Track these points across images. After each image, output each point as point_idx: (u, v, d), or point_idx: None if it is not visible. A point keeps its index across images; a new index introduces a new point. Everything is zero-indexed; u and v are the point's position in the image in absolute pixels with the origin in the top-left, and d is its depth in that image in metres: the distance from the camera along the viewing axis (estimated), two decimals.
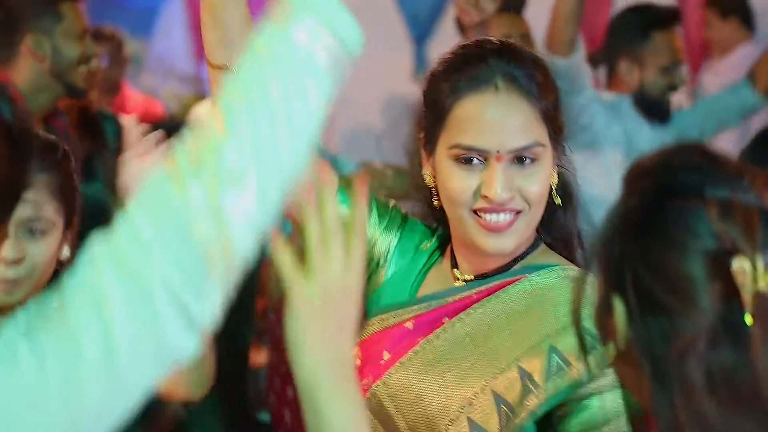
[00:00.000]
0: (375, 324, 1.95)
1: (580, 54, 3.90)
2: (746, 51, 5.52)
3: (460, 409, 1.81)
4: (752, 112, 4.20)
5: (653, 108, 4.08)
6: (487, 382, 1.81)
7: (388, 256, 2.00)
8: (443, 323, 1.89)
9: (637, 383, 1.29)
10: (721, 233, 1.22)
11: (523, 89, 1.83)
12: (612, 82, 4.24)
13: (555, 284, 1.88)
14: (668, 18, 4.16)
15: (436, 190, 1.91)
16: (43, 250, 2.07)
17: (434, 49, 5.98)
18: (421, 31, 5.95)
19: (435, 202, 1.92)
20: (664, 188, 1.28)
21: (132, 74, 5.79)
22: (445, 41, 5.01)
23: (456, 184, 1.85)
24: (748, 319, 1.19)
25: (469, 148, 1.83)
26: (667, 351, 1.23)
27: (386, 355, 1.91)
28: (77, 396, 1.13)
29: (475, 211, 1.84)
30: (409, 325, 1.91)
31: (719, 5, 5.59)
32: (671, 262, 1.24)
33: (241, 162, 1.18)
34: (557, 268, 1.90)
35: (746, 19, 5.59)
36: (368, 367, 1.91)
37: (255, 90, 1.21)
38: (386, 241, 1.99)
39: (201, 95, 6.58)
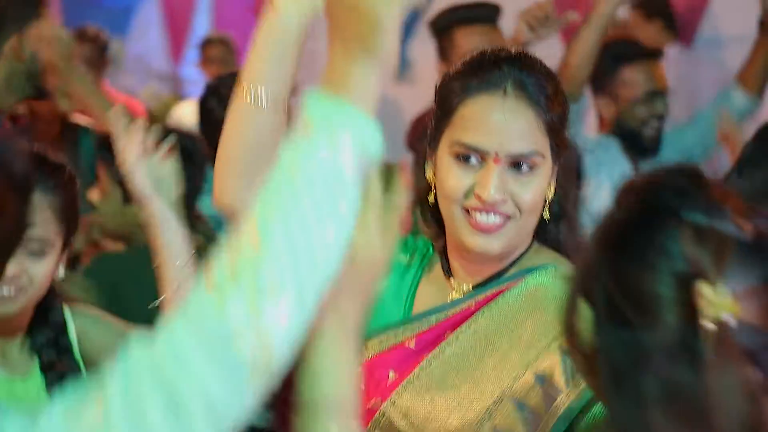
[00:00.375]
0: (375, 345, 1.93)
1: (586, 100, 3.83)
2: (670, 53, 5.57)
3: (482, 420, 1.81)
4: (748, 115, 4.15)
5: (634, 141, 4.01)
6: (503, 391, 1.82)
7: None
8: (446, 338, 1.89)
9: (597, 388, 1.32)
10: (691, 257, 1.24)
11: (532, 98, 1.84)
12: (600, 123, 4.19)
13: (551, 284, 1.88)
14: (634, 52, 4.08)
15: (435, 186, 1.91)
16: (41, 269, 2.09)
17: (414, 51, 5.99)
18: (401, 32, 5.93)
19: (430, 199, 1.92)
20: (646, 206, 1.30)
21: (110, 74, 5.76)
22: (424, 42, 5.01)
23: (452, 180, 1.86)
24: (705, 344, 1.22)
25: (469, 147, 1.84)
26: (625, 361, 1.25)
27: (392, 375, 1.90)
28: None
29: (467, 210, 1.85)
30: (411, 344, 1.91)
31: (643, 7, 5.64)
32: (640, 278, 1.26)
33: (278, 275, 1.20)
34: (550, 267, 1.90)
35: (669, 22, 5.64)
36: (374, 388, 1.90)
37: (287, 204, 1.22)
38: None
39: (179, 95, 6.57)
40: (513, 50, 1.91)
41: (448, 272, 1.94)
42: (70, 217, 2.14)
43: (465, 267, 1.93)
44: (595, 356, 1.29)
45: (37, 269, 2.09)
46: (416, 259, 2.00)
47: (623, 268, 1.27)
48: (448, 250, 1.95)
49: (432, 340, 1.89)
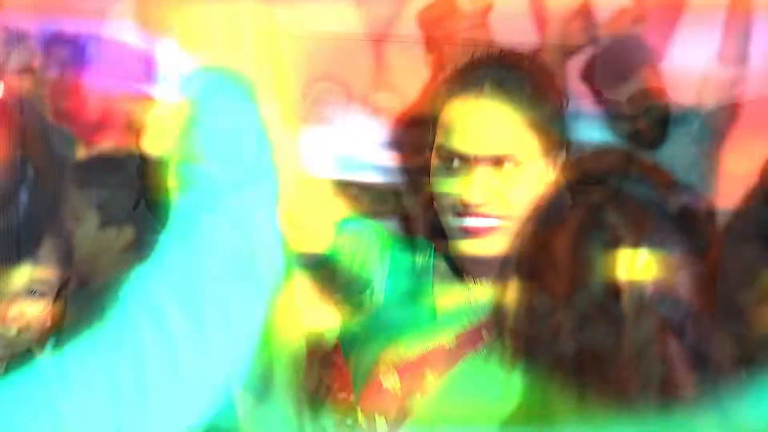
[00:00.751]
0: (410, 346, 1.89)
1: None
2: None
3: None
4: (740, 82, 4.03)
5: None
6: None
7: (385, 277, 1.96)
8: (485, 339, 1.87)
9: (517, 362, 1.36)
10: (614, 225, 1.28)
11: (511, 96, 1.82)
12: None
13: None
14: None
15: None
16: (38, 312, 2.02)
17: (395, 52, 5.95)
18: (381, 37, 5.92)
19: (435, 206, 1.92)
20: (576, 179, 1.35)
21: (87, 75, 5.73)
22: (402, 46, 4.99)
23: (439, 186, 1.85)
24: (623, 309, 1.27)
25: (449, 151, 1.83)
26: (541, 330, 1.29)
27: (430, 373, 1.88)
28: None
29: (459, 215, 1.84)
30: (450, 344, 1.89)
31: None
32: (568, 247, 1.29)
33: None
34: None
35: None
36: (412, 386, 1.88)
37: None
38: (382, 262, 1.96)
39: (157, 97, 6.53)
40: (502, 50, 1.90)
41: (457, 273, 1.93)
42: (68, 263, 2.06)
43: (471, 268, 1.88)
44: (519, 333, 1.33)
45: (33, 312, 2.01)
46: (428, 261, 1.98)
47: (551, 239, 1.30)
48: (453, 254, 1.94)
49: (471, 338, 1.89)
